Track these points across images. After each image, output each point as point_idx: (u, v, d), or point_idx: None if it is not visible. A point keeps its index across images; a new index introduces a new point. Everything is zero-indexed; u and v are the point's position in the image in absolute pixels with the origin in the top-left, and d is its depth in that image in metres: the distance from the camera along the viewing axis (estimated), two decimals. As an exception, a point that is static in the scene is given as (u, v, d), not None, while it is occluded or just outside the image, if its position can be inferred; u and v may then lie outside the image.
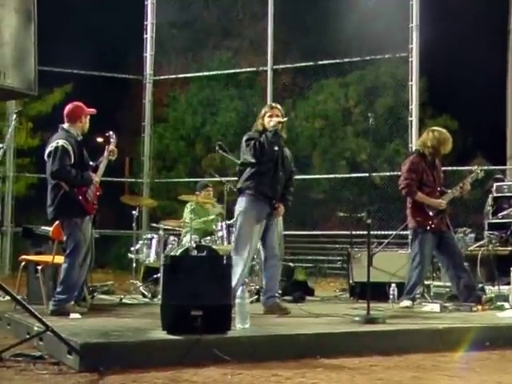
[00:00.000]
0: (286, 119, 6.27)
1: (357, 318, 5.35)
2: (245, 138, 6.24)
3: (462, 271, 6.74)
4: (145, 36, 12.45)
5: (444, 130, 7.05)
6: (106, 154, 6.17)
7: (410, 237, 7.06)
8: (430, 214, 6.71)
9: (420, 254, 6.75)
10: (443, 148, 6.94)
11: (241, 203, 6.20)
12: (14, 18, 3.55)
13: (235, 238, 6.28)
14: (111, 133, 6.34)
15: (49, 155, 5.82)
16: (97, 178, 6.04)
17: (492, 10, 14.95)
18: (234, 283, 5.73)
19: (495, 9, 14.72)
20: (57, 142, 5.81)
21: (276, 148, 6.17)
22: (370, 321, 5.25)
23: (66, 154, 5.78)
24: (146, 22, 12.43)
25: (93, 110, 6.14)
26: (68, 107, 6.08)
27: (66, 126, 6.01)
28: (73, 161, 5.82)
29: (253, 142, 6.08)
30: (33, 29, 3.68)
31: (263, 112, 6.33)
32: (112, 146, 6.22)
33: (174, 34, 14.84)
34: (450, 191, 6.92)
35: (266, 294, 6.25)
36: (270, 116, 6.23)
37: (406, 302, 6.68)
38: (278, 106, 6.41)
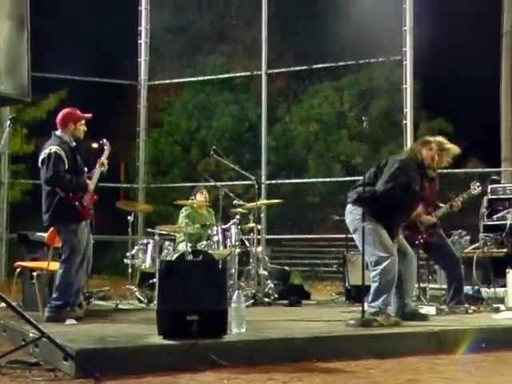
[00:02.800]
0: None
1: (352, 322, 5.34)
2: (397, 165, 5.65)
3: (453, 277, 6.72)
4: (139, 41, 12.45)
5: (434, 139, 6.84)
6: (98, 165, 6.18)
7: None
8: (420, 229, 6.68)
9: None
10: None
11: (359, 215, 5.60)
12: (7, 24, 3.55)
13: (375, 246, 5.58)
14: (105, 140, 6.35)
15: (42, 162, 5.82)
16: (91, 185, 6.03)
17: (486, 13, 15.01)
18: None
19: (490, 12, 14.77)
20: (50, 148, 5.81)
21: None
22: (366, 324, 5.25)
23: (59, 159, 5.78)
24: (140, 28, 12.44)
25: (87, 116, 6.13)
26: (60, 113, 6.08)
27: (58, 132, 6.01)
28: (66, 166, 5.81)
29: (399, 185, 5.56)
30: (26, 35, 3.68)
31: (422, 145, 5.88)
32: (103, 158, 6.22)
33: (169, 39, 14.86)
34: (443, 206, 6.89)
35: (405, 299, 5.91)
36: (432, 150, 5.83)
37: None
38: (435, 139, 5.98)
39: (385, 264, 5.54)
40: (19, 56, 3.62)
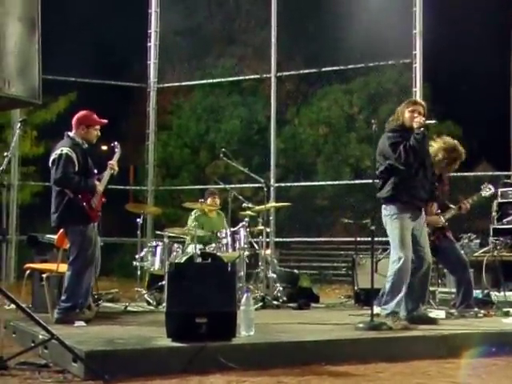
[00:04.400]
0: (434, 122, 5.73)
1: (361, 325, 5.32)
2: (389, 142, 5.70)
3: (461, 280, 6.69)
4: (148, 44, 12.48)
5: (448, 138, 6.82)
6: (108, 168, 6.19)
7: None
8: (428, 230, 6.62)
9: None
10: (455, 158, 6.72)
11: (391, 210, 5.71)
12: (19, 26, 3.56)
13: (394, 244, 5.69)
14: (116, 143, 6.35)
15: (53, 162, 5.84)
16: (100, 187, 6.04)
17: (496, 16, 14.95)
18: (402, 292, 5.56)
19: (499, 15, 14.71)
20: (61, 149, 5.83)
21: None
22: (374, 327, 5.23)
23: (69, 161, 5.79)
24: (149, 30, 12.47)
25: (103, 121, 6.12)
26: (76, 115, 6.08)
27: (71, 133, 6.02)
28: (77, 168, 5.82)
29: (402, 146, 5.59)
30: (37, 37, 3.69)
31: (403, 107, 5.82)
32: (113, 161, 6.23)
33: (178, 41, 14.88)
34: (452, 207, 6.85)
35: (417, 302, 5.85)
36: (412, 111, 5.73)
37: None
38: (422, 103, 5.92)
39: (399, 264, 5.55)
40: (30, 58, 3.63)
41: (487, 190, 7.02)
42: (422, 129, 5.63)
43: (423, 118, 5.70)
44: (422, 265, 5.84)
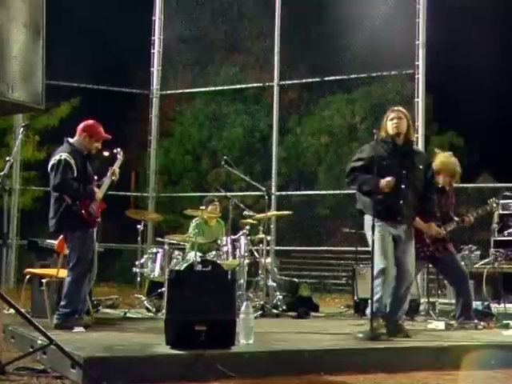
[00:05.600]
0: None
1: (360, 335, 5.31)
2: (359, 149, 5.98)
3: (460, 292, 6.68)
4: (152, 51, 12.52)
5: (444, 157, 6.90)
6: (109, 174, 6.17)
7: None
8: (427, 241, 6.62)
9: None
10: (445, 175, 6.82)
11: (368, 218, 5.67)
12: (23, 32, 3.57)
13: (375, 256, 5.58)
14: (119, 149, 6.34)
15: (51, 168, 5.83)
16: (99, 194, 6.02)
17: (500, 27, 15.01)
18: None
19: (503, 27, 14.77)
20: (60, 155, 5.82)
21: (395, 160, 5.72)
22: (374, 337, 5.21)
23: (68, 167, 5.78)
24: (153, 37, 12.51)
25: (107, 136, 6.10)
26: (83, 123, 6.06)
27: (71, 139, 6.01)
28: (75, 174, 5.81)
29: (350, 168, 5.95)
30: (41, 43, 3.70)
31: (385, 118, 5.93)
32: (115, 167, 6.21)
33: (182, 48, 14.91)
34: (455, 220, 6.84)
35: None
36: (391, 119, 5.84)
37: None
38: (401, 109, 5.99)
39: (382, 276, 5.51)
40: (34, 64, 3.64)
41: (494, 206, 7.00)
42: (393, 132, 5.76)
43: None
44: (400, 275, 5.70)
